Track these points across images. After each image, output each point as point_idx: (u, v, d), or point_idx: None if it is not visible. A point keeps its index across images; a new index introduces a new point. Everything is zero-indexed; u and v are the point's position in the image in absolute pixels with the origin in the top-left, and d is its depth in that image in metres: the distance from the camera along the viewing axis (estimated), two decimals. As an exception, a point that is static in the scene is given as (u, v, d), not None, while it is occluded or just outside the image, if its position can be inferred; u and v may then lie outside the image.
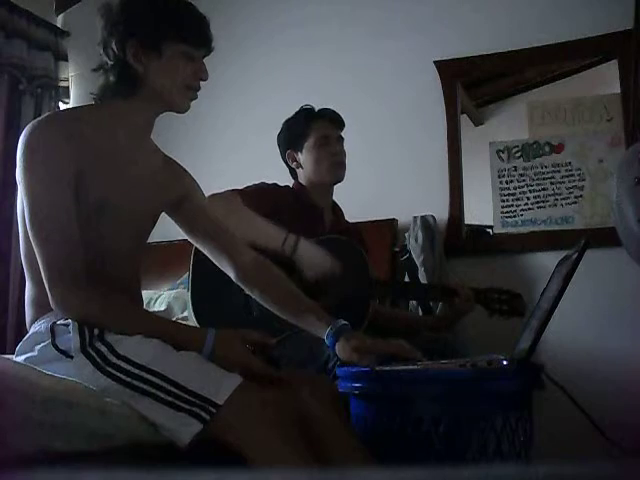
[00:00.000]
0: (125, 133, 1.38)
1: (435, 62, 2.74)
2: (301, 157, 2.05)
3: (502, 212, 2.63)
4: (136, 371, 1.17)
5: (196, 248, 1.85)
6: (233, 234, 1.58)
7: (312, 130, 2.03)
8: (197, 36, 1.36)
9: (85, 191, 1.28)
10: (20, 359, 1.29)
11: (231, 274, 1.55)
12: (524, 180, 2.61)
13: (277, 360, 1.34)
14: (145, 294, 1.54)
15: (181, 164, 1.58)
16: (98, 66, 1.36)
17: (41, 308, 1.29)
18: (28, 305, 1.34)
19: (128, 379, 1.16)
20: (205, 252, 1.56)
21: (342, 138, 2.07)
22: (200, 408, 1.13)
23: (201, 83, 1.40)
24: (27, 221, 1.25)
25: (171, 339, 1.24)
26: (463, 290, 1.97)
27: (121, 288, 1.37)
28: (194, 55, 1.36)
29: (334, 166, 2.03)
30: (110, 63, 1.33)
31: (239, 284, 1.56)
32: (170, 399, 1.14)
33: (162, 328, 1.27)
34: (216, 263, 1.56)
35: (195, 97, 1.41)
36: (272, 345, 1.33)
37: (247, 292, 1.57)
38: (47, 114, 1.39)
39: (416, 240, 2.56)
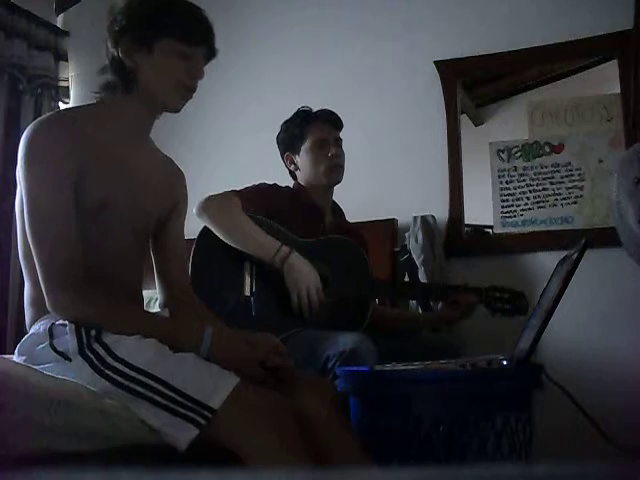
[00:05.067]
0: (125, 131, 1.38)
1: (435, 62, 2.73)
2: (299, 159, 2.04)
3: (502, 212, 2.63)
4: (133, 374, 1.16)
5: (196, 247, 1.86)
6: (184, 262, 1.59)
7: (309, 132, 2.01)
8: (191, 34, 1.35)
9: (86, 190, 1.28)
10: (19, 360, 1.29)
11: (160, 298, 1.53)
12: (524, 180, 2.61)
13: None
14: (145, 294, 1.54)
15: (178, 164, 1.57)
16: (101, 68, 1.37)
17: (40, 309, 1.29)
18: (27, 306, 1.34)
19: (126, 382, 1.16)
20: (153, 262, 1.54)
21: (340, 140, 2.05)
22: (196, 413, 1.12)
23: (201, 84, 1.39)
24: (25, 221, 1.25)
25: (169, 338, 1.23)
26: (465, 295, 1.97)
27: (121, 288, 1.37)
28: (187, 53, 1.35)
29: (331, 169, 2.01)
30: (108, 62, 1.35)
31: (160, 307, 1.54)
32: (167, 403, 1.14)
33: (160, 327, 1.27)
34: (155, 278, 1.54)
35: (189, 97, 1.39)
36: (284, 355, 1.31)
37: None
38: (48, 114, 1.38)
39: (416, 240, 2.56)
